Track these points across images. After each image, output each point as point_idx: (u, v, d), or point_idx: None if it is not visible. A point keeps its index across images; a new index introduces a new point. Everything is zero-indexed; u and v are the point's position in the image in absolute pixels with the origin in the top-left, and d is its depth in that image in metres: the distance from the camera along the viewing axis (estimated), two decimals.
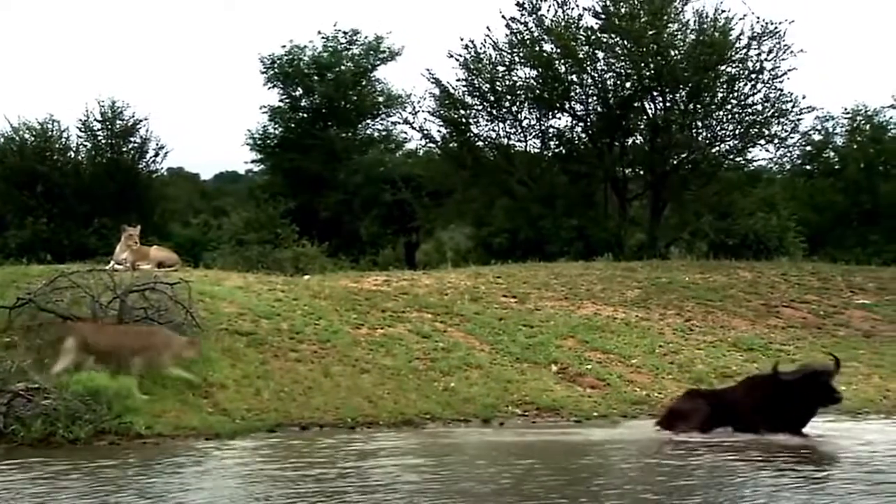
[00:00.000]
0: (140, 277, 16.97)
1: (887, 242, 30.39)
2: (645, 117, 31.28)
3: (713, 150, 30.98)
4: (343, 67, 38.16)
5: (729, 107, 30.42)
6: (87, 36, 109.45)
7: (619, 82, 30.91)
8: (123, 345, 14.26)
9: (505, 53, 31.25)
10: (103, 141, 35.92)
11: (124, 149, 35.94)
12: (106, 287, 15.59)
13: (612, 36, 30.37)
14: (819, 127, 33.05)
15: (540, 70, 30.91)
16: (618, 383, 16.16)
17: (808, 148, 33.33)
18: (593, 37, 30.58)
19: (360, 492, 10.35)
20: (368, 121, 39.74)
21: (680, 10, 30.21)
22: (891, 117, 33.09)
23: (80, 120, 35.62)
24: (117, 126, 35.77)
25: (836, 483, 10.90)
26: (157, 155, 36.35)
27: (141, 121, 35.85)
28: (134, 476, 11.21)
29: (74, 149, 35.99)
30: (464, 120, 32.28)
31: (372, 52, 38.57)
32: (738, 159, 31.70)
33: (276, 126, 38.82)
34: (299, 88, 38.33)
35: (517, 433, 14.18)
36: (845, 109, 33.54)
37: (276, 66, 37.99)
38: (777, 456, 12.34)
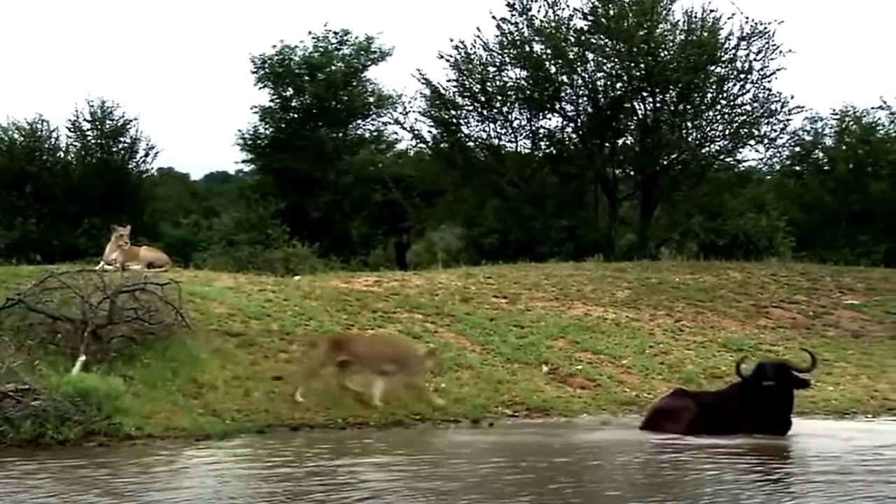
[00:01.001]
0: (130, 278, 16.93)
1: (876, 243, 30.47)
2: (635, 118, 31.37)
3: (703, 151, 31.08)
4: (334, 68, 38.16)
5: (718, 107, 30.53)
6: (77, 36, 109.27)
7: (609, 83, 30.99)
8: (375, 353, 14.88)
9: (495, 54, 31.34)
10: (93, 141, 35.90)
11: (114, 149, 35.93)
12: (96, 287, 15.54)
13: (602, 37, 30.46)
14: (808, 127, 33.18)
15: (530, 71, 30.97)
16: (608, 384, 16.18)
17: (798, 148, 33.44)
18: (583, 37, 30.67)
19: (324, 490, 10.41)
20: (359, 121, 39.73)
21: (669, 10, 30.32)
22: (879, 118, 33.19)
23: (70, 120, 35.64)
24: (107, 126, 35.75)
25: (798, 483, 11.06)
26: (147, 155, 36.39)
27: (131, 121, 35.89)
28: (102, 475, 11.15)
29: (64, 149, 35.97)
30: (454, 120, 32.33)
31: (363, 53, 38.56)
32: (727, 160, 31.83)
33: (267, 126, 38.79)
34: (290, 88, 38.31)
35: (503, 433, 14.19)
36: (834, 110, 33.67)
37: (266, 66, 37.96)
38: (746, 456, 12.47)
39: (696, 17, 29.85)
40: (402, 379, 14.85)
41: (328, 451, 12.56)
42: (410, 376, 14.92)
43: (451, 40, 32.06)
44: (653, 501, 10.26)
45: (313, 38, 38.33)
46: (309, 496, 10.19)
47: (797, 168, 34.42)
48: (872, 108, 33.18)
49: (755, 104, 30.28)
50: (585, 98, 31.12)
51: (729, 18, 29.80)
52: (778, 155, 32.81)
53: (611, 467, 12.19)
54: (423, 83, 31.93)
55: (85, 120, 35.66)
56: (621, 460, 12.47)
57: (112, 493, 10.23)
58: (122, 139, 35.94)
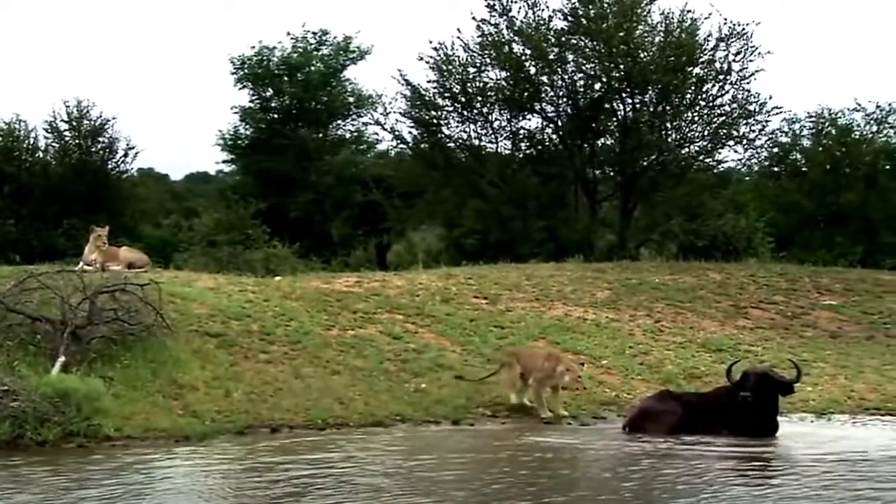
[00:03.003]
0: (110, 278, 16.87)
1: (853, 244, 30.64)
2: (615, 119, 31.49)
3: (682, 152, 31.24)
4: (313, 68, 38.18)
5: (698, 108, 30.68)
6: (56, 36, 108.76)
7: (588, 84, 31.08)
8: (535, 366, 15.09)
9: (475, 55, 31.39)
10: (71, 141, 35.79)
11: (92, 149, 35.82)
12: (75, 288, 15.48)
13: (582, 37, 30.55)
14: (786, 128, 33.30)
15: (510, 71, 31.04)
16: (588, 384, 16.18)
17: (776, 150, 33.56)
18: (563, 38, 30.74)
19: (259, 487, 10.67)
20: (339, 121, 39.80)
21: (648, 11, 30.41)
22: (855, 119, 33.37)
23: (47, 121, 35.54)
24: (84, 126, 35.63)
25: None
26: (126, 155, 36.36)
27: (109, 121, 35.82)
28: (40, 476, 11.17)
29: (42, 149, 35.88)
30: (435, 121, 32.37)
31: (341, 53, 38.60)
32: (707, 160, 32.02)
33: (247, 127, 38.79)
34: (270, 89, 38.33)
35: (473, 434, 14.22)
36: (810, 113, 33.83)
37: (246, 66, 37.95)
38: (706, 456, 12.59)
39: (673, 18, 30.00)
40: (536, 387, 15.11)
41: (271, 450, 12.66)
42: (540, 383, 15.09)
43: (431, 42, 32.17)
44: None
45: (292, 38, 38.42)
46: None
47: (775, 169, 34.55)
48: (848, 109, 33.37)
49: (734, 105, 30.49)
50: (565, 99, 31.23)
51: (706, 19, 30.00)
52: (756, 156, 33.04)
53: (560, 464, 12.39)
54: (403, 84, 32.01)
55: (62, 120, 35.60)
56: (576, 458, 12.61)
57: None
58: (100, 139, 35.86)
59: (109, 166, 36.16)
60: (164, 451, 12.40)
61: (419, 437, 13.87)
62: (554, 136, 32.38)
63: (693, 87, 30.34)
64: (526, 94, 31.16)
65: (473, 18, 31.03)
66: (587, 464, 12.57)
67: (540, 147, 32.71)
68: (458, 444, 13.47)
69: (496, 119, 32.18)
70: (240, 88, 38.46)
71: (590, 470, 12.27)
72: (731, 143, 31.01)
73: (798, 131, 33.54)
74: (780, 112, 31.28)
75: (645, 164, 31.11)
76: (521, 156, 33.06)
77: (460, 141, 32.71)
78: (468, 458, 12.55)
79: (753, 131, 30.87)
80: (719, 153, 31.72)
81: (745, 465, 12.39)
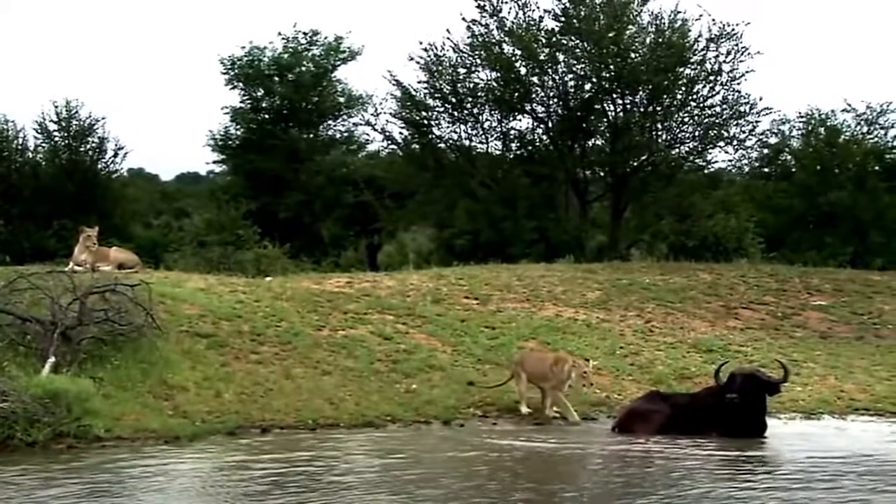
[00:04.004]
0: (100, 279, 16.85)
1: (843, 245, 30.69)
2: (605, 119, 31.50)
3: (673, 152, 31.25)
4: (303, 68, 38.12)
5: (688, 109, 30.70)
6: (45, 37, 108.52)
7: (579, 84, 31.09)
8: (544, 371, 15.13)
9: (466, 55, 31.37)
10: (60, 141, 35.72)
11: (82, 149, 35.75)
12: (65, 289, 15.46)
13: (573, 38, 30.55)
14: (776, 129, 33.34)
15: (501, 72, 31.05)
16: (578, 384, 16.21)
17: (766, 151, 33.61)
18: (554, 39, 30.74)
19: (227, 485, 10.80)
20: (330, 122, 39.72)
21: (639, 12, 30.43)
22: (845, 120, 33.41)
23: (36, 121, 35.48)
24: (74, 126, 35.56)
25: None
26: (115, 155, 36.27)
27: (98, 121, 35.74)
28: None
29: (32, 150, 35.80)
30: (425, 122, 32.39)
31: (332, 53, 38.54)
32: (697, 161, 32.05)
33: (238, 127, 38.72)
34: (260, 89, 38.25)
35: (454, 433, 14.24)
36: (799, 113, 33.86)
37: (236, 67, 37.88)
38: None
39: (664, 19, 30.03)
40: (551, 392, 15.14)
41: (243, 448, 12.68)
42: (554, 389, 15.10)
43: (421, 42, 32.17)
44: None
45: (283, 38, 38.33)
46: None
47: (766, 170, 34.61)
48: (840, 110, 33.41)
49: (724, 106, 30.51)
50: (556, 99, 31.24)
51: (696, 20, 30.00)
52: (747, 157, 33.06)
53: (533, 464, 12.45)
54: (393, 84, 32.02)
55: (51, 121, 35.55)
56: (554, 458, 12.65)
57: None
58: (89, 139, 35.78)
59: (99, 166, 36.10)
60: (128, 451, 12.41)
61: (399, 437, 13.87)
62: (544, 137, 32.40)
63: (683, 88, 30.38)
64: (516, 94, 31.18)
65: (464, 19, 31.08)
66: (556, 463, 12.59)
67: (530, 148, 32.74)
68: (435, 444, 13.49)
69: (487, 119, 32.23)
70: (230, 89, 38.41)
71: (556, 468, 12.30)
72: (722, 143, 31.10)
73: (788, 132, 33.61)
74: (771, 113, 31.38)
75: (635, 164, 31.15)
76: (511, 156, 33.09)
77: (451, 141, 32.74)
78: (441, 458, 12.58)
79: (744, 132, 30.94)
80: (709, 154, 31.84)
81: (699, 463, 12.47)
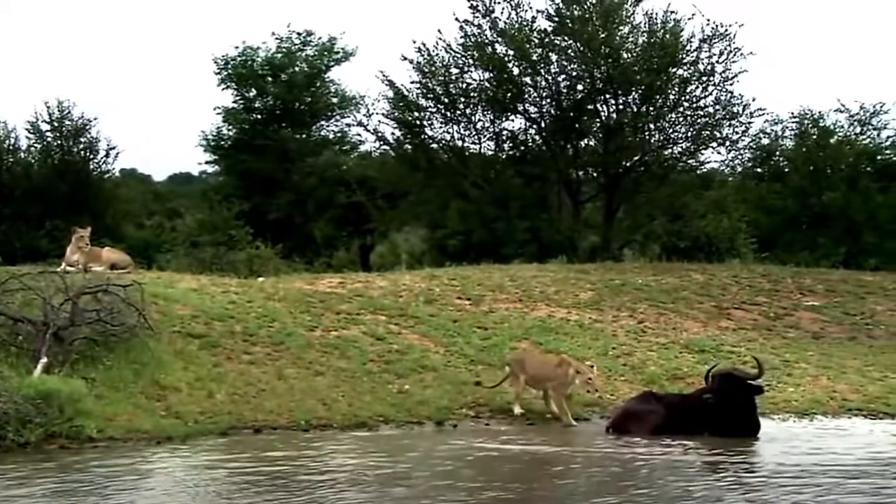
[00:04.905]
0: (92, 279, 16.83)
1: (835, 245, 30.72)
2: (598, 120, 31.47)
3: (665, 153, 31.21)
4: (297, 69, 38.07)
5: (681, 109, 30.63)
6: (37, 36, 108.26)
7: (572, 84, 31.06)
8: (546, 374, 15.16)
9: (458, 56, 31.33)
10: (53, 142, 35.67)
11: (74, 149, 35.69)
12: (58, 289, 15.45)
13: (565, 38, 30.52)
14: (769, 130, 33.37)
15: (493, 72, 31.00)
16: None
17: (759, 151, 33.62)
18: (546, 39, 30.71)
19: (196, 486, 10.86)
20: (323, 122, 39.67)
21: (631, 12, 30.42)
22: (838, 121, 33.45)
23: (29, 121, 35.43)
24: (66, 127, 35.52)
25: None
26: (107, 155, 36.21)
27: (90, 121, 35.69)
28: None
29: (24, 150, 35.75)
30: (418, 122, 32.32)
31: (325, 53, 38.49)
32: (690, 162, 32.02)
33: (230, 127, 38.64)
34: (253, 89, 38.19)
35: (442, 433, 14.27)
36: (792, 113, 33.88)
37: (229, 67, 37.83)
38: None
39: (657, 19, 30.01)
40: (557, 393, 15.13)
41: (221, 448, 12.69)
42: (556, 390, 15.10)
43: (414, 42, 32.13)
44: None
45: (276, 38, 38.29)
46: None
47: (758, 170, 34.63)
48: (834, 111, 33.44)
49: (717, 106, 30.45)
50: (548, 100, 31.20)
51: (689, 20, 29.97)
52: (739, 157, 33.07)
53: (507, 465, 12.49)
54: (386, 85, 31.95)
55: (44, 121, 35.49)
56: (534, 460, 12.65)
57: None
58: (81, 140, 35.73)
59: (91, 167, 36.04)
60: (101, 452, 12.42)
61: (388, 437, 13.90)
62: (537, 137, 32.37)
63: (676, 89, 30.33)
64: (509, 94, 31.14)
65: (457, 19, 31.01)
66: (535, 463, 12.60)
67: (523, 148, 32.70)
68: (417, 444, 13.49)
69: (479, 120, 32.14)
70: (223, 89, 38.35)
71: (534, 468, 12.32)
72: (714, 144, 31.02)
73: (781, 132, 33.64)
74: (763, 114, 31.35)
75: (628, 165, 31.12)
76: (504, 157, 33.03)
77: (443, 142, 32.68)
78: (418, 457, 12.56)
79: (736, 133, 30.90)
80: (702, 154, 31.77)
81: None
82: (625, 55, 30.06)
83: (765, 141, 33.28)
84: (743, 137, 31.21)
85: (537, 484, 11.25)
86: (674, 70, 30.05)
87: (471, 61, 31.34)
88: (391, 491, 10.62)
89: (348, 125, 38.79)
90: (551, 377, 15.02)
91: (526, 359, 15.59)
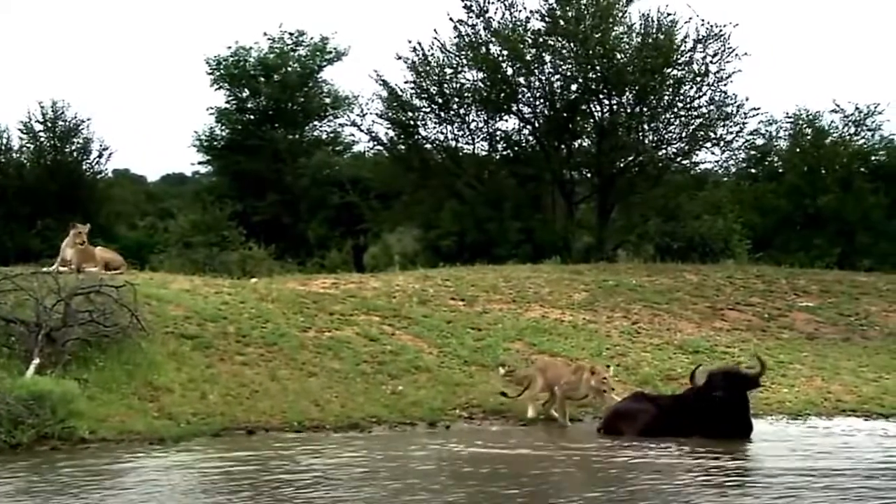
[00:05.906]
0: (85, 280, 16.76)
1: (830, 246, 30.74)
2: (592, 120, 31.48)
3: (660, 153, 31.22)
4: (289, 69, 38.08)
5: (675, 109, 30.63)
6: (29, 37, 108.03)
7: (565, 85, 31.05)
8: (561, 376, 15.10)
9: (452, 56, 31.33)
10: (45, 142, 35.64)
11: (67, 150, 35.66)
12: (50, 290, 15.37)
13: (559, 39, 30.51)
14: (763, 130, 33.37)
15: (487, 72, 31.00)
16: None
17: (753, 151, 33.63)
18: (540, 39, 30.70)
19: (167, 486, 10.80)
20: (315, 122, 39.69)
21: (625, 12, 30.42)
22: (833, 121, 33.47)
23: (22, 122, 35.42)
24: (59, 127, 35.49)
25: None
26: (100, 156, 36.21)
27: (83, 121, 35.68)
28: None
29: (17, 150, 35.74)
30: (412, 122, 32.31)
31: (318, 53, 38.50)
32: (684, 162, 32.01)
33: (223, 128, 38.66)
34: (246, 90, 38.20)
35: (427, 434, 14.22)
36: (787, 114, 33.90)
37: (222, 67, 37.82)
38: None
39: (651, 19, 30.00)
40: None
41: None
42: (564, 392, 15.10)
43: (409, 42, 32.11)
44: None
45: (268, 39, 38.30)
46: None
47: (753, 171, 34.65)
48: (829, 111, 33.46)
49: (711, 107, 30.48)
50: (542, 100, 31.21)
51: (686, 23, 29.97)
52: (734, 158, 33.07)
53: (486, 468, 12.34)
54: (380, 85, 31.94)
55: (37, 121, 35.46)
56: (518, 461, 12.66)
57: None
58: (74, 140, 35.71)
59: (84, 167, 36.04)
60: (67, 453, 12.36)
61: (365, 438, 13.86)
62: (531, 138, 32.36)
63: (670, 89, 30.33)
64: (503, 95, 31.14)
65: (451, 19, 31.01)
66: (510, 463, 12.50)
67: (517, 148, 32.70)
68: (396, 445, 13.43)
69: (473, 120, 32.16)
70: (216, 89, 38.38)
71: (508, 468, 12.18)
72: (709, 144, 31.05)
73: (775, 133, 33.65)
74: (758, 114, 31.36)
75: (622, 165, 31.13)
76: (498, 157, 33.06)
77: (437, 142, 32.68)
78: (398, 459, 12.49)
79: (731, 133, 30.91)
80: (696, 155, 31.76)
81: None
82: (619, 55, 30.06)
83: (759, 141, 33.31)
84: (737, 138, 31.26)
85: (506, 483, 11.13)
86: (668, 70, 30.05)
87: (465, 61, 31.35)
88: (359, 493, 10.52)
89: (341, 125, 38.89)
90: (566, 379, 14.97)
91: (548, 365, 15.58)
